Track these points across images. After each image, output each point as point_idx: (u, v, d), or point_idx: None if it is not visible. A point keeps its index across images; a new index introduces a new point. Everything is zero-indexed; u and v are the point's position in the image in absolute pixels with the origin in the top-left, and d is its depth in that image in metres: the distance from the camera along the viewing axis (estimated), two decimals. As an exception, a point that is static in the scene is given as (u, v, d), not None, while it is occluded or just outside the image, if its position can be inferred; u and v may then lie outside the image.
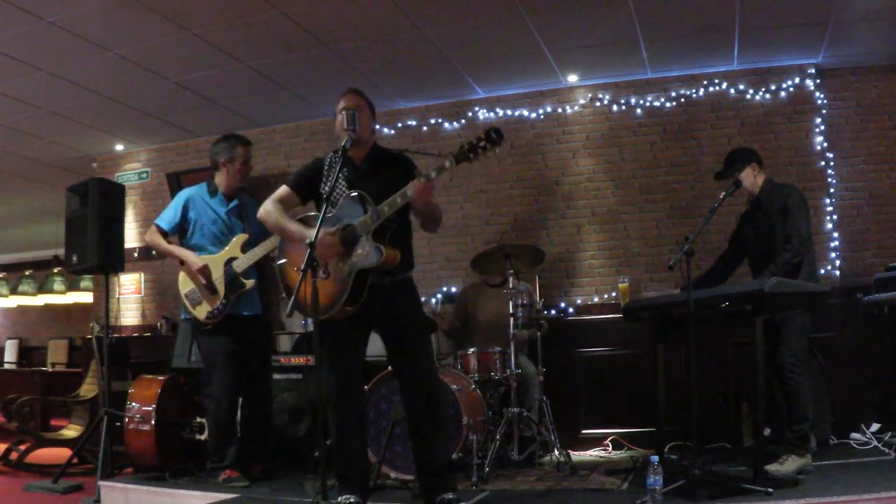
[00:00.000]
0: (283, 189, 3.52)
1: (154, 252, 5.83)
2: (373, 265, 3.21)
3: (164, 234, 4.42)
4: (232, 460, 4.29)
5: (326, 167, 3.47)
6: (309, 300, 3.05)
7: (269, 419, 4.66)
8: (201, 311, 4.32)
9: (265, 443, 4.58)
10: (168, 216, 4.44)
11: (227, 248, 4.39)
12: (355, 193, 3.33)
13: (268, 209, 3.49)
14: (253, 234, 4.42)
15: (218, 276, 4.31)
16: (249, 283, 4.34)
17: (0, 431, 6.24)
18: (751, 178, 4.16)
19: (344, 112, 3.36)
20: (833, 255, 5.45)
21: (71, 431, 6.10)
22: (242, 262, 4.32)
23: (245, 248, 4.38)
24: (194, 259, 4.31)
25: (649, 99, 5.87)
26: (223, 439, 4.32)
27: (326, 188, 3.34)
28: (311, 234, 3.10)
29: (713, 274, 4.36)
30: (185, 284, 4.38)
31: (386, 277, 3.32)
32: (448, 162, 3.12)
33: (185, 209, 4.43)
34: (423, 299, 3.88)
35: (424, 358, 3.43)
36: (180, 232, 4.45)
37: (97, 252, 4.77)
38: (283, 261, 3.54)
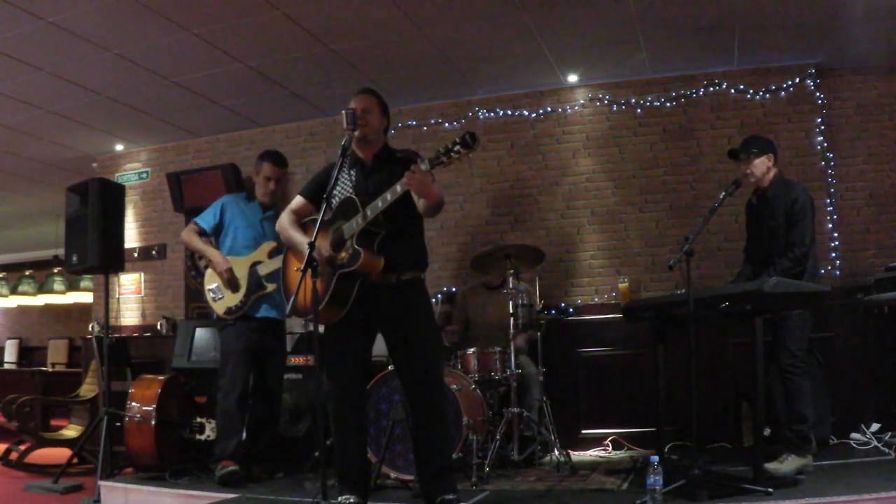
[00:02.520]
0: (296, 199, 3.58)
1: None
2: (351, 269, 3.21)
3: (202, 232, 4.69)
4: (232, 452, 4.32)
5: (336, 170, 3.47)
6: (303, 301, 3.07)
7: (275, 422, 4.72)
8: (220, 307, 4.55)
9: (266, 443, 4.61)
10: (207, 217, 4.73)
11: (254, 252, 4.61)
12: (350, 195, 3.33)
13: (281, 221, 3.58)
14: (279, 244, 4.56)
15: (242, 276, 4.54)
16: (271, 286, 4.53)
17: (0, 431, 6.25)
18: (763, 168, 4.06)
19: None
20: (833, 255, 5.45)
21: (71, 431, 6.11)
22: (266, 267, 4.53)
23: (272, 254, 4.56)
24: (220, 259, 4.59)
25: (649, 99, 5.86)
26: (227, 430, 4.37)
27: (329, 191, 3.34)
28: (307, 239, 3.13)
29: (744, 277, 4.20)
30: (210, 280, 4.63)
31: (391, 276, 3.31)
32: (423, 165, 3.08)
33: (223, 212, 4.70)
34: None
35: (429, 360, 3.37)
36: (215, 233, 4.72)
37: (97, 252, 4.79)
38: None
